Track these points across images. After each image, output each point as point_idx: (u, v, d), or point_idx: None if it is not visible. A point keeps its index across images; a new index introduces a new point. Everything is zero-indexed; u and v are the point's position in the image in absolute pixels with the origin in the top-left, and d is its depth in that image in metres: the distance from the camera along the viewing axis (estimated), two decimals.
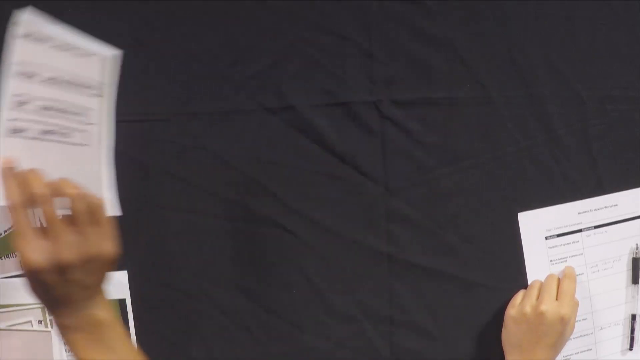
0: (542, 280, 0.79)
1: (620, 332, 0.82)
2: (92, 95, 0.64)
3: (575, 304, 0.77)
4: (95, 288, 0.61)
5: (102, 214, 0.60)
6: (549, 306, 0.74)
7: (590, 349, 0.82)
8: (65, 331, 0.60)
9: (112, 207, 0.64)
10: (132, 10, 0.78)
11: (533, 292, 0.77)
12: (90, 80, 0.64)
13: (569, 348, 0.81)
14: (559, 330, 0.74)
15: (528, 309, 0.75)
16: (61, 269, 0.57)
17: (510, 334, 0.76)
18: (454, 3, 0.78)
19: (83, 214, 0.58)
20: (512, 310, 0.77)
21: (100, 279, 0.62)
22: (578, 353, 0.81)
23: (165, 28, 0.78)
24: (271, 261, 0.79)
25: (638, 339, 0.82)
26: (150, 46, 0.78)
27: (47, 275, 0.57)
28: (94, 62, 0.64)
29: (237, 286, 0.79)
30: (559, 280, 0.78)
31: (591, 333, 0.82)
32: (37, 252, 0.56)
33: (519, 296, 0.78)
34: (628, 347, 0.82)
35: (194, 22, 0.78)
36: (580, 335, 0.81)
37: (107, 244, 0.60)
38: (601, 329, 0.82)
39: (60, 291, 0.58)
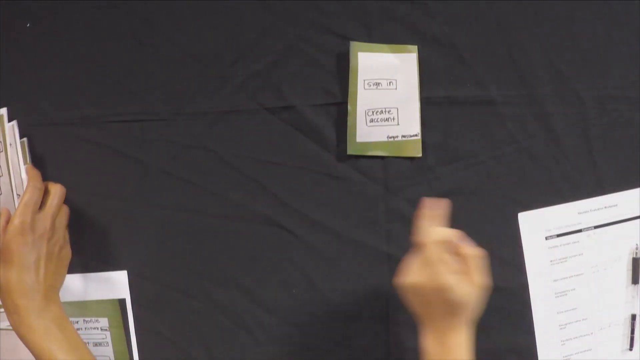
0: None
1: (620, 332, 0.82)
2: None
3: (441, 270, 0.64)
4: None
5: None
6: (414, 278, 0.65)
7: (590, 349, 0.82)
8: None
9: None
10: (132, 10, 0.78)
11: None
12: None
13: (569, 348, 0.81)
14: (436, 300, 0.64)
15: (402, 279, 0.66)
16: None
17: (406, 301, 0.68)
18: (454, 3, 0.78)
19: None
20: (398, 280, 0.67)
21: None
22: (578, 353, 0.81)
23: (165, 28, 0.78)
24: (271, 261, 0.79)
25: (638, 339, 0.82)
26: (150, 46, 0.78)
27: None
28: None
29: (237, 286, 0.79)
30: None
31: (591, 333, 0.81)
32: None
33: (407, 262, 0.67)
34: (628, 347, 0.82)
35: (194, 22, 0.78)
36: (580, 335, 0.81)
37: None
38: (601, 329, 0.82)
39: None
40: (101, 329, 0.80)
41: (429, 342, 0.66)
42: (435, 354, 0.66)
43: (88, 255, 0.79)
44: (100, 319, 0.80)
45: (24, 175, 0.75)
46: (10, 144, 0.75)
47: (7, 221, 0.70)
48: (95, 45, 0.78)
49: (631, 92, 0.80)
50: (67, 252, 0.76)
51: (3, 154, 0.75)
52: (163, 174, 0.79)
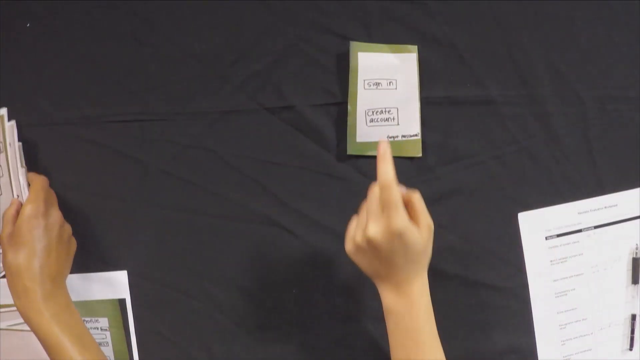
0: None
1: (620, 332, 0.82)
2: None
3: (401, 213, 0.62)
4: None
5: None
6: (374, 228, 0.62)
7: (591, 349, 0.82)
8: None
9: None
10: (132, 10, 0.78)
11: (362, 217, 0.65)
12: None
13: (569, 348, 0.81)
14: (398, 248, 0.62)
15: (359, 238, 0.64)
16: None
17: (361, 267, 0.67)
18: (454, 3, 0.78)
19: None
20: (347, 245, 0.66)
21: None
22: (578, 353, 0.81)
23: (165, 28, 0.78)
24: (271, 261, 0.79)
25: (638, 339, 0.82)
26: (150, 46, 0.78)
27: None
28: None
29: (237, 286, 0.79)
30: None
31: (591, 333, 0.81)
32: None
33: (352, 225, 0.67)
34: (628, 347, 0.82)
35: (194, 22, 0.78)
36: (580, 336, 0.81)
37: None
38: (601, 329, 0.82)
39: None
40: (101, 329, 0.80)
41: (390, 297, 0.65)
42: (398, 307, 0.65)
43: (88, 255, 0.79)
44: (100, 319, 0.80)
45: (21, 177, 0.75)
46: (10, 144, 0.75)
47: (17, 210, 0.71)
48: (95, 45, 0.78)
49: (631, 92, 0.80)
50: (74, 242, 0.76)
51: (3, 154, 0.75)
52: (163, 174, 0.79)
